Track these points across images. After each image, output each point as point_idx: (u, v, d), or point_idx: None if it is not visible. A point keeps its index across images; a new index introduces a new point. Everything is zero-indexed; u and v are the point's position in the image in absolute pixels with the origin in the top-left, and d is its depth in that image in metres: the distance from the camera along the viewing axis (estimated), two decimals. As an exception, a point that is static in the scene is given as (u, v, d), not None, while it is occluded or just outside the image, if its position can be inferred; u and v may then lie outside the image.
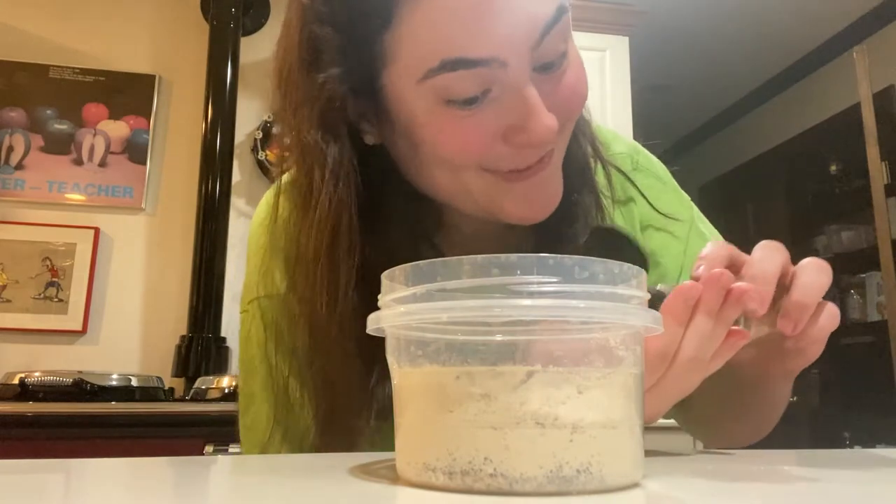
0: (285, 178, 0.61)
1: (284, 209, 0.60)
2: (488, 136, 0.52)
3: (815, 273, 0.48)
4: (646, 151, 0.75)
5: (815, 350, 0.51)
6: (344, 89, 0.53)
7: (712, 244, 0.48)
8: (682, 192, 0.74)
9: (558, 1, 0.50)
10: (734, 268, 0.47)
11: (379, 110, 0.55)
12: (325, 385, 0.59)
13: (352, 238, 0.55)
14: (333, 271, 0.55)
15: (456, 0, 0.48)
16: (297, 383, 0.62)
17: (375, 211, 0.59)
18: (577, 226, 0.62)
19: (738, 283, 0.45)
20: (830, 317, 0.49)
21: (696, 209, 0.74)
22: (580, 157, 0.63)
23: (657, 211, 0.68)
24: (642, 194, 0.68)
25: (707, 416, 0.70)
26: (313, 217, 0.55)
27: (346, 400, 0.58)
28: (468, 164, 0.53)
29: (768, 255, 0.48)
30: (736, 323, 0.46)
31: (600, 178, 0.66)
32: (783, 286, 0.48)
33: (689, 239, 0.70)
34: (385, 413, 0.57)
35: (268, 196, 0.67)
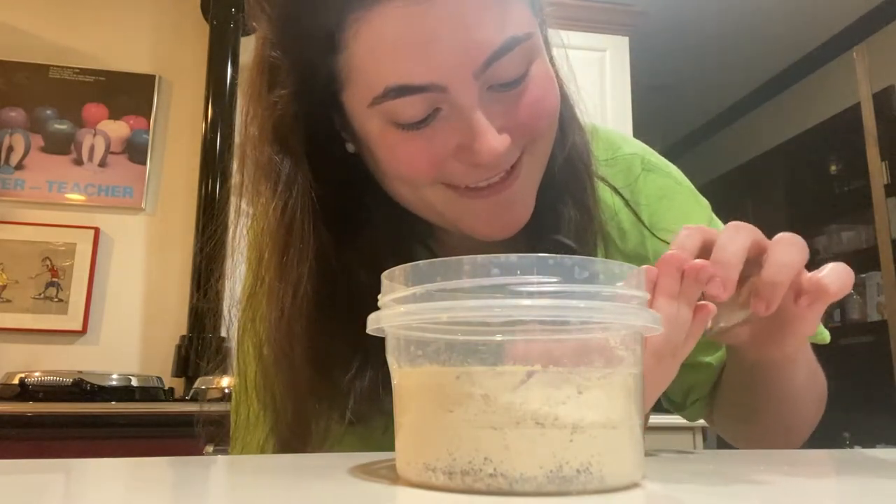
0: None
1: (254, 221, 0.62)
2: (439, 154, 0.52)
3: (786, 249, 0.46)
4: (655, 153, 0.74)
5: (805, 327, 0.49)
6: (296, 109, 0.55)
7: (685, 230, 0.47)
8: (701, 196, 0.73)
9: (509, 32, 0.50)
10: (709, 252, 0.46)
11: (346, 125, 0.56)
12: (270, 394, 0.59)
13: (303, 247, 0.56)
14: (280, 279, 0.56)
15: (395, 29, 0.48)
16: (262, 382, 0.62)
17: (364, 214, 0.60)
18: (558, 236, 0.62)
19: (695, 261, 0.44)
20: (814, 288, 0.46)
21: (715, 217, 0.72)
22: (567, 169, 0.62)
23: (652, 234, 0.67)
24: (639, 218, 0.67)
25: (733, 415, 0.69)
26: (266, 226, 0.57)
27: (292, 410, 0.58)
28: (424, 181, 0.54)
29: (733, 236, 0.46)
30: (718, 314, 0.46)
31: (605, 195, 0.65)
32: (758, 264, 0.46)
33: None
34: (366, 404, 0.57)
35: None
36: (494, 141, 0.50)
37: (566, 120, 0.61)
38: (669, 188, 0.70)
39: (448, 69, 0.49)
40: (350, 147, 0.59)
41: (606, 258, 0.63)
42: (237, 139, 0.62)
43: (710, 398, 0.71)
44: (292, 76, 0.55)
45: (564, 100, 0.59)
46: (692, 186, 0.72)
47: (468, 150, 0.51)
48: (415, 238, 0.65)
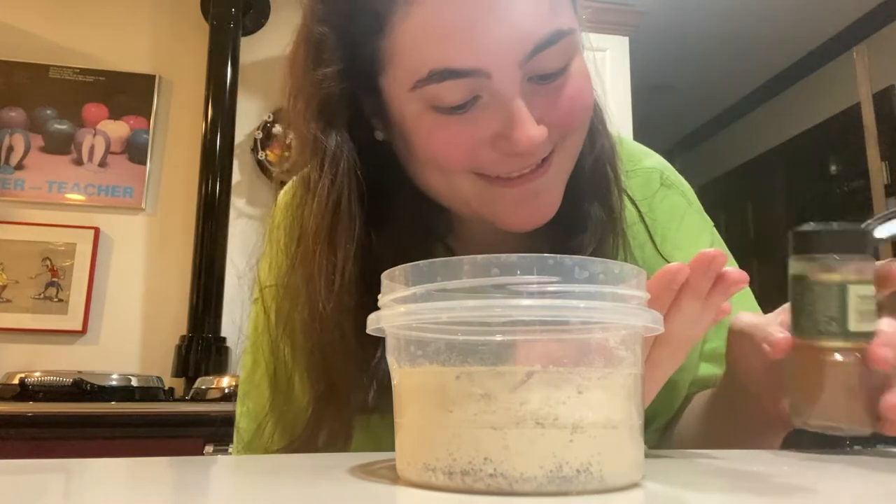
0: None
1: (295, 198, 0.62)
2: (475, 141, 0.53)
3: None
4: (673, 169, 0.74)
5: None
6: (341, 87, 0.55)
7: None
8: (706, 215, 0.73)
9: (555, 24, 0.50)
10: None
11: (381, 110, 0.56)
12: (321, 366, 0.59)
13: (350, 223, 0.56)
14: (332, 252, 0.56)
15: (444, 13, 0.49)
16: (296, 369, 0.62)
17: (387, 205, 0.60)
18: (583, 237, 0.62)
19: (731, 269, 0.43)
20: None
21: (716, 234, 0.73)
22: (595, 171, 0.63)
23: (659, 254, 0.66)
24: (651, 236, 0.66)
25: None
26: (313, 202, 0.56)
27: (341, 380, 0.58)
28: (457, 168, 0.54)
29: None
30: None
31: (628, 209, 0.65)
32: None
33: None
34: (384, 393, 0.57)
35: (286, 187, 0.69)
36: (533, 130, 0.51)
37: (595, 123, 0.62)
38: (682, 208, 0.71)
39: (494, 56, 0.49)
40: (379, 135, 0.59)
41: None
42: (285, 109, 0.61)
43: (668, 429, 0.70)
44: (337, 54, 0.55)
45: (594, 103, 0.60)
46: (700, 207, 0.73)
47: (506, 139, 0.52)
48: (434, 235, 0.65)
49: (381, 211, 0.59)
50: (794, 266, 0.47)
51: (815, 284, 0.45)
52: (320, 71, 0.55)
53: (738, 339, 0.53)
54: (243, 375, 0.69)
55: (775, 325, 0.49)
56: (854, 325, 0.44)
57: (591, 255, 0.61)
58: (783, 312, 0.52)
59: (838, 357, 0.45)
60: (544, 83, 0.52)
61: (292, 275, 0.60)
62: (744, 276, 0.44)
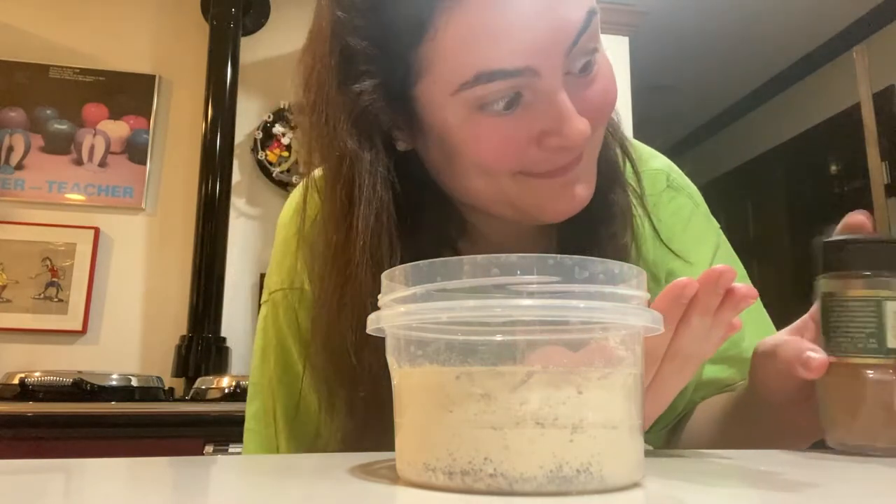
0: (317, 173, 0.60)
1: (315, 207, 0.60)
2: (522, 142, 0.52)
3: None
4: (680, 171, 0.74)
5: None
6: (378, 100, 0.53)
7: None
8: (712, 217, 0.73)
9: (588, 4, 0.51)
10: None
11: (411, 119, 0.55)
12: (355, 393, 0.57)
13: (391, 244, 0.54)
14: (376, 278, 0.54)
15: (489, 14, 0.48)
16: (311, 374, 0.61)
17: (411, 216, 0.58)
18: (615, 225, 0.61)
19: (740, 284, 0.43)
20: None
21: (723, 237, 0.73)
22: (610, 157, 0.63)
23: (667, 247, 0.66)
24: (657, 232, 0.66)
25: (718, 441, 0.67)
26: (355, 226, 0.54)
27: (375, 405, 0.56)
28: (505, 170, 0.53)
29: None
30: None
31: (630, 177, 0.65)
32: None
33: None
34: None
35: (299, 190, 0.66)
36: (582, 124, 0.50)
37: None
38: (688, 210, 0.70)
39: (541, 52, 0.49)
40: (401, 145, 0.57)
41: (636, 258, 0.63)
42: (301, 122, 0.58)
43: (674, 430, 0.70)
44: (375, 66, 0.53)
45: None
46: (706, 208, 0.73)
47: (553, 135, 0.51)
48: (445, 242, 0.63)
49: (408, 223, 0.58)
50: (826, 283, 0.47)
51: (850, 301, 0.45)
52: (357, 86, 0.53)
53: (765, 361, 0.53)
54: (252, 376, 0.68)
55: (807, 343, 0.49)
56: (892, 341, 0.44)
57: (620, 240, 0.61)
58: (801, 329, 0.52)
59: (877, 375, 0.44)
60: (579, 76, 0.52)
61: (327, 301, 0.57)
62: (752, 291, 0.44)
